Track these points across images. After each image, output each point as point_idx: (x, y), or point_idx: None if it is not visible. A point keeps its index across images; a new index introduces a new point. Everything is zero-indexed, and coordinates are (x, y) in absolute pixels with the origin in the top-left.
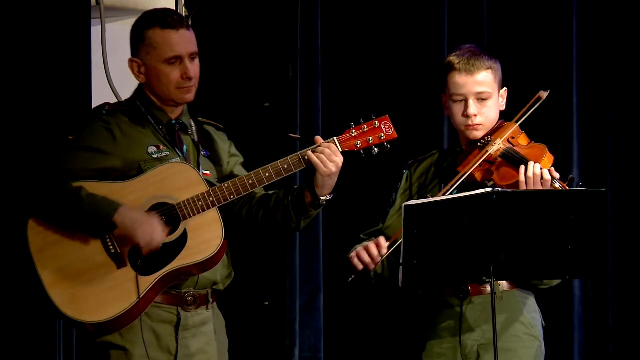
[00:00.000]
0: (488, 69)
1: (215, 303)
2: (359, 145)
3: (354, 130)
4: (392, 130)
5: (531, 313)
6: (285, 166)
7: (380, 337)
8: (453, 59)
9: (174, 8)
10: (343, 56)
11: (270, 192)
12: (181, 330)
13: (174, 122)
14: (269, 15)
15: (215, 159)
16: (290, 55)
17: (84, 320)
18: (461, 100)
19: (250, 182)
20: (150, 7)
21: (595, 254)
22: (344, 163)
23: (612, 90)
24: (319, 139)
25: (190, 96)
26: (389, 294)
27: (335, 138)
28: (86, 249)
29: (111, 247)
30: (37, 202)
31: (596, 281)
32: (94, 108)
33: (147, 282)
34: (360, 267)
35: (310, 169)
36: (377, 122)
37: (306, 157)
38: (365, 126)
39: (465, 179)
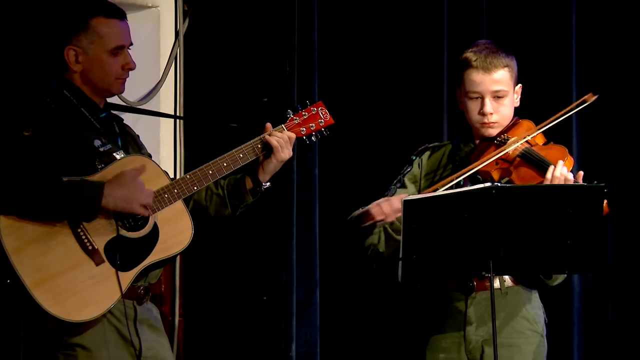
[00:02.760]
0: (505, 66)
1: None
2: (303, 132)
3: (296, 118)
4: (328, 116)
5: (535, 309)
6: (241, 155)
7: (377, 332)
8: (470, 55)
9: (173, 3)
10: (340, 51)
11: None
12: (138, 325)
13: (104, 114)
14: (266, 10)
15: (142, 147)
16: (287, 50)
17: (71, 319)
18: (477, 98)
19: (210, 172)
20: (149, 2)
21: (595, 249)
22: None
23: (611, 90)
24: (269, 125)
25: (124, 88)
26: (386, 289)
27: (283, 125)
28: (62, 246)
29: (87, 244)
30: (12, 199)
31: (595, 276)
32: (37, 98)
33: (128, 277)
34: (380, 217)
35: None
36: (314, 108)
37: (259, 146)
38: (305, 113)
39: (480, 175)
